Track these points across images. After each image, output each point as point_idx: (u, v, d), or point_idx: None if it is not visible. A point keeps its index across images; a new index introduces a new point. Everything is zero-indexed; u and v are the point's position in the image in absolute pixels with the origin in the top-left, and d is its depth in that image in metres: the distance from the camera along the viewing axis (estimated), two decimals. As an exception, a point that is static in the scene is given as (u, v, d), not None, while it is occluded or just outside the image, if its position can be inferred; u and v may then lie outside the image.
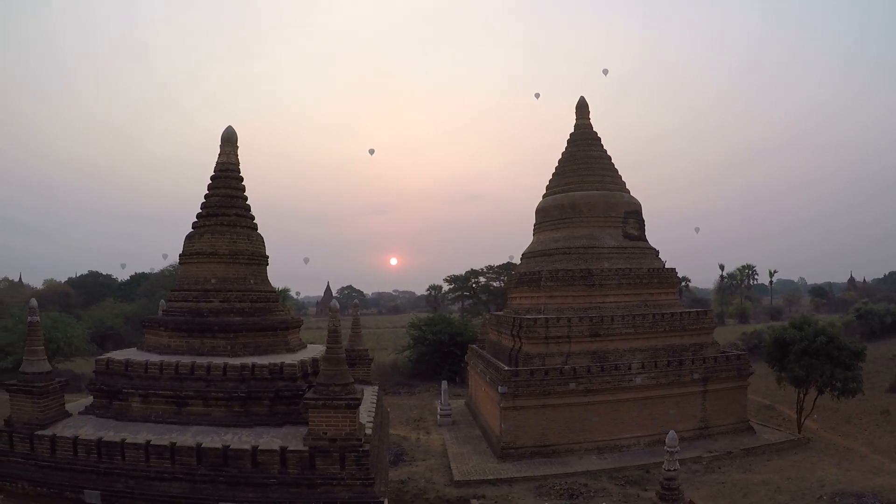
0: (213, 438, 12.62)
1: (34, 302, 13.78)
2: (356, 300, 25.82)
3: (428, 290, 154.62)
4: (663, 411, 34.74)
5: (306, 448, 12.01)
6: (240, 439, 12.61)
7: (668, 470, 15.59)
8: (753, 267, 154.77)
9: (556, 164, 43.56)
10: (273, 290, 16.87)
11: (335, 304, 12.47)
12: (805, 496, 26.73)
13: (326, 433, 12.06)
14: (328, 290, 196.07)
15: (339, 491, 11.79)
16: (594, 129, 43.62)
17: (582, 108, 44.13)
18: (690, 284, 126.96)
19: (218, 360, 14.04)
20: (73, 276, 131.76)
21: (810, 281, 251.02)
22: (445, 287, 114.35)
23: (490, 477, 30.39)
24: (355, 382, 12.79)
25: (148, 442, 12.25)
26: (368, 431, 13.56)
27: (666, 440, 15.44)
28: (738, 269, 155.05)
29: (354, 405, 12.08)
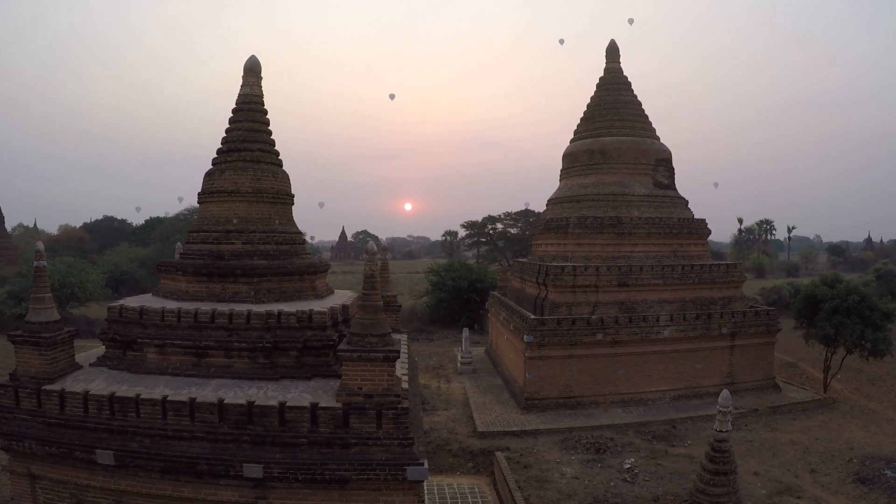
0: (235, 393, 11.54)
1: (40, 245, 12.60)
2: (385, 243, 24.71)
3: (443, 235, 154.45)
4: (690, 365, 34.26)
5: (339, 405, 10.89)
6: (265, 394, 11.52)
7: (721, 431, 14.76)
8: (772, 222, 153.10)
9: (585, 109, 41.74)
10: (299, 232, 15.62)
11: (372, 245, 11.18)
12: (834, 458, 26.61)
13: (361, 388, 10.92)
14: (343, 234, 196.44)
15: (375, 451, 10.70)
16: (625, 74, 41.71)
17: (612, 51, 42.04)
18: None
19: (241, 307, 12.87)
20: (88, 221, 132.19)
21: (826, 239, 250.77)
22: (461, 233, 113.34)
23: (514, 428, 29.77)
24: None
25: (165, 397, 11.15)
26: (405, 385, 12.49)
27: (719, 399, 14.83)
28: (757, 224, 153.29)
29: (392, 358, 10.92)
